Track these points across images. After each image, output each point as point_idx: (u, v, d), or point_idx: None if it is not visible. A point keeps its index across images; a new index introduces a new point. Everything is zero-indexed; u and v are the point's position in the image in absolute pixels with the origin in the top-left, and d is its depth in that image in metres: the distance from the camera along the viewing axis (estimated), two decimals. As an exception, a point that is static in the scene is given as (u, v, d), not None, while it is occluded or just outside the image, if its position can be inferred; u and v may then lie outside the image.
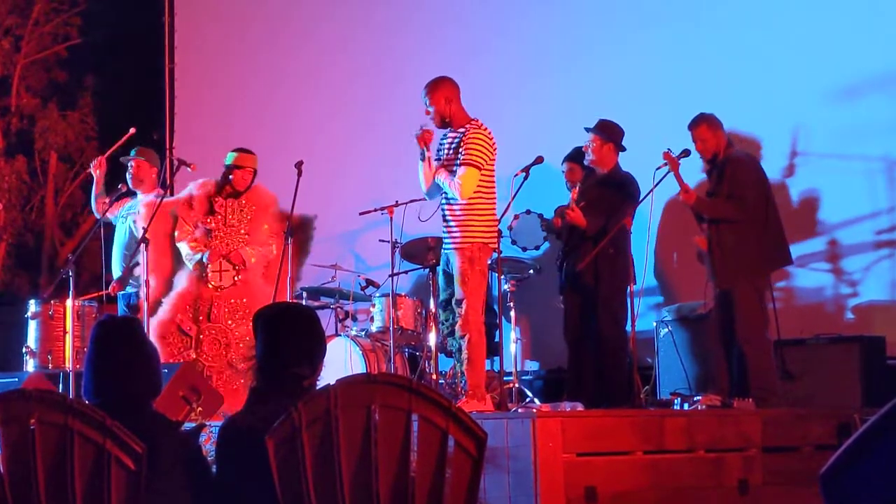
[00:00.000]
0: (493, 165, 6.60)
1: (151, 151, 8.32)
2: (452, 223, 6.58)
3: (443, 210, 6.65)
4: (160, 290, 7.47)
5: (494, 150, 6.59)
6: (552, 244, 7.94)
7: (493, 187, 6.63)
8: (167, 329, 7.25)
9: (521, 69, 9.16)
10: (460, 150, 6.52)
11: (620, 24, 8.80)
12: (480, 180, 6.52)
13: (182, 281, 7.43)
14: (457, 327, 6.52)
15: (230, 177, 7.45)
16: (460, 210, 6.55)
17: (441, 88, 6.64)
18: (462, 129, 6.58)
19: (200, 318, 7.32)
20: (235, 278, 7.36)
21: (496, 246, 6.64)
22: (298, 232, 7.49)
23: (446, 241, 6.65)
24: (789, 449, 6.29)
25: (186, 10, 11.16)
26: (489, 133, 6.58)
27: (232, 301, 7.33)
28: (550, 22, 9.10)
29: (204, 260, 7.36)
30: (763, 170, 7.13)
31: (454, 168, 6.55)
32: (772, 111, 7.90)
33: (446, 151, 6.66)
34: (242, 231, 7.44)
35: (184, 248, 7.47)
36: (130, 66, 12.65)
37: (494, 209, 6.65)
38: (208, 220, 7.46)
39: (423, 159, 6.62)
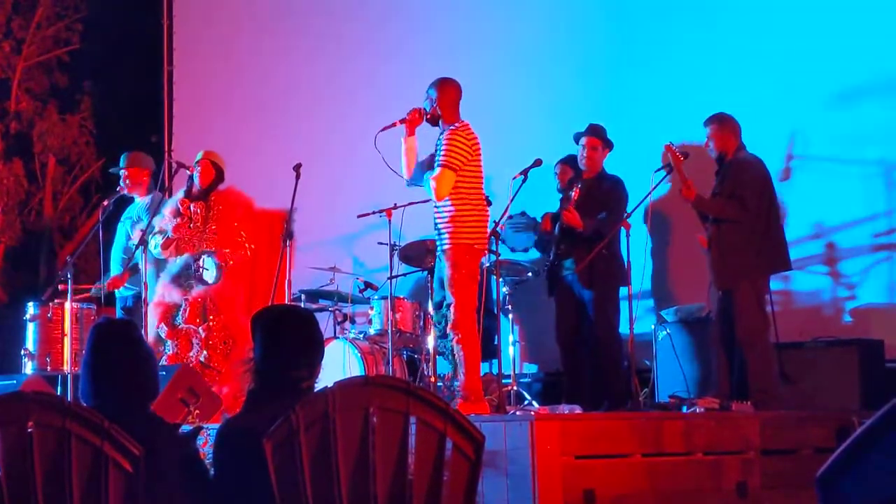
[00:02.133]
0: (475, 167, 6.53)
1: (139, 155, 8.32)
2: (440, 227, 6.56)
3: (433, 214, 6.66)
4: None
5: (475, 150, 6.52)
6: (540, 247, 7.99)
7: (478, 189, 6.57)
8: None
9: (520, 71, 9.16)
10: (439, 150, 6.52)
11: (621, 27, 8.80)
12: (463, 182, 6.48)
13: (157, 290, 7.48)
14: (448, 330, 6.51)
15: (194, 177, 7.51)
16: (445, 213, 6.52)
17: (442, 86, 6.65)
18: (445, 130, 6.57)
19: (175, 323, 7.41)
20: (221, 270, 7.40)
21: (484, 247, 6.60)
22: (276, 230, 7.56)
23: (437, 245, 6.66)
24: (788, 452, 6.29)
25: (185, 13, 11.16)
26: (468, 134, 6.51)
27: (199, 300, 7.38)
28: (550, 23, 9.10)
29: (191, 262, 7.42)
30: (769, 174, 7.12)
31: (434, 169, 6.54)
32: (770, 115, 7.89)
33: (433, 151, 6.65)
34: (208, 231, 7.48)
35: (156, 250, 7.55)
36: (129, 69, 12.65)
37: (481, 211, 6.58)
38: (176, 221, 7.52)
39: (404, 139, 6.65)
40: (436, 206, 6.58)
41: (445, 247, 6.51)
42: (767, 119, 7.85)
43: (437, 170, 6.46)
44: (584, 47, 8.93)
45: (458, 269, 6.45)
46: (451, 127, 6.53)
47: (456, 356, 6.47)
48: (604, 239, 7.15)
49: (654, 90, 8.47)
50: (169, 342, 7.38)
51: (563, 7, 9.09)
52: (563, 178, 7.96)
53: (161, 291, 7.49)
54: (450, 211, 6.50)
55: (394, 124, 6.65)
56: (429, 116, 6.64)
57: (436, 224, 6.60)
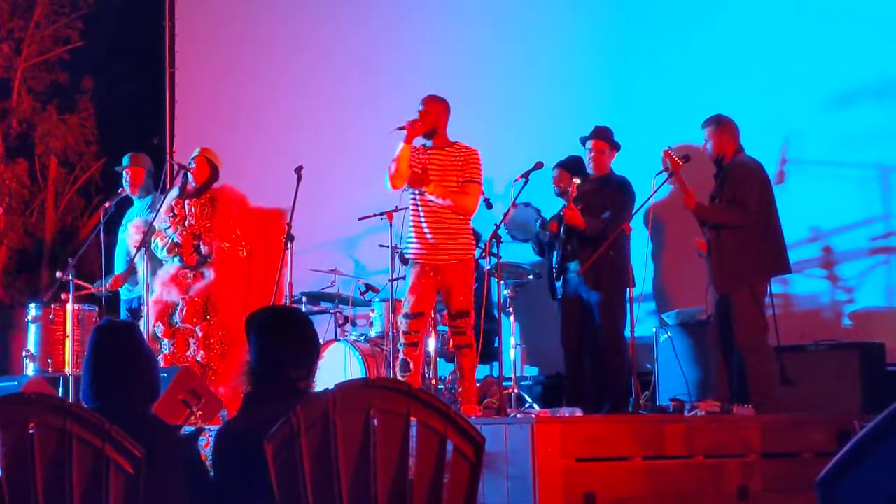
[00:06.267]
0: None
1: (142, 156, 8.35)
2: (454, 239, 6.76)
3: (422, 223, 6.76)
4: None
5: None
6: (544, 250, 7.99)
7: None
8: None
9: (521, 73, 9.17)
10: (460, 169, 6.71)
11: (620, 29, 8.81)
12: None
13: (155, 289, 7.47)
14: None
15: (188, 175, 7.54)
16: (462, 227, 6.79)
17: (443, 103, 6.82)
18: (451, 149, 6.78)
19: (172, 322, 7.40)
20: (202, 252, 7.40)
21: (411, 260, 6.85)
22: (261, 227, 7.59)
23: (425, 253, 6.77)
24: (789, 455, 6.29)
25: (187, 14, 11.18)
26: None
27: (196, 300, 7.38)
28: (551, 26, 9.11)
29: (176, 240, 7.43)
30: (767, 176, 7.12)
31: (453, 185, 6.68)
32: (766, 118, 7.90)
33: (437, 168, 6.74)
34: (206, 224, 7.48)
35: (161, 253, 7.54)
36: (131, 70, 12.67)
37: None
38: (169, 221, 7.53)
39: (405, 143, 6.68)
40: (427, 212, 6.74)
41: (455, 260, 6.71)
42: (763, 122, 7.85)
43: (473, 186, 6.72)
44: (584, 49, 8.93)
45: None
46: (462, 147, 6.77)
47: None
48: (607, 240, 7.15)
49: (651, 92, 8.48)
50: (166, 341, 7.36)
51: (564, 10, 9.10)
52: (559, 182, 7.96)
53: (160, 290, 7.48)
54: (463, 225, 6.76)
55: (405, 127, 6.64)
56: (426, 129, 6.73)
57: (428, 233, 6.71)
